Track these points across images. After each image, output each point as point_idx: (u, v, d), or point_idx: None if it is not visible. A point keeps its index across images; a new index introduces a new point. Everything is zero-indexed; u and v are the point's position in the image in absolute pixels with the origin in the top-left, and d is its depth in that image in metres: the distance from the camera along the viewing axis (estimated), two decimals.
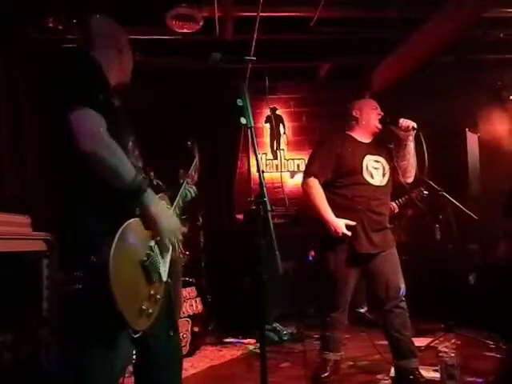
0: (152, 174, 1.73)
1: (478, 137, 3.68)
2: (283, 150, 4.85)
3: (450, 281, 3.50)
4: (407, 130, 2.40)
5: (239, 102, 1.53)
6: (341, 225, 2.36)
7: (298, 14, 3.41)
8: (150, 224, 1.31)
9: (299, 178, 4.80)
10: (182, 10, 3.12)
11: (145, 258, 1.29)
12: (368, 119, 2.53)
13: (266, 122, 4.86)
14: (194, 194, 1.75)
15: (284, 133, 4.88)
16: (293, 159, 4.86)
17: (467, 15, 3.27)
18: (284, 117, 4.89)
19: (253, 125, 1.52)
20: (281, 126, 4.88)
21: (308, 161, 2.63)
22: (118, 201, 1.25)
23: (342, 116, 4.08)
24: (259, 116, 4.79)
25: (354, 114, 2.57)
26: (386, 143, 2.58)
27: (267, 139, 4.87)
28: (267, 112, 4.79)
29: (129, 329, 1.21)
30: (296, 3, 3.34)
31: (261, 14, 3.17)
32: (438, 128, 4.07)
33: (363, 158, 2.47)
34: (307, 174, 2.52)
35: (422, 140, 2.40)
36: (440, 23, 3.41)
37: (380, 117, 2.51)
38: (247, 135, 1.53)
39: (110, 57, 1.44)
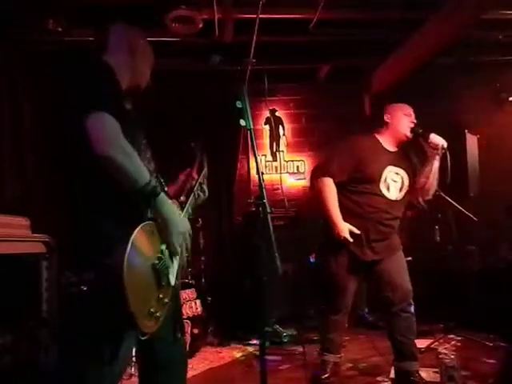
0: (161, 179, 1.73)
1: (478, 138, 3.68)
2: (283, 151, 4.85)
3: (450, 282, 3.50)
4: (436, 147, 2.31)
5: (239, 104, 1.53)
6: (345, 229, 2.30)
7: (297, 15, 3.41)
8: (161, 227, 1.32)
9: (298, 179, 4.81)
10: (181, 12, 3.12)
11: (156, 262, 1.30)
12: (398, 125, 2.40)
13: (265, 124, 4.86)
14: (205, 196, 1.75)
15: (283, 134, 4.88)
16: (292, 161, 4.85)
17: (466, 17, 3.28)
18: (283, 118, 4.89)
19: (252, 127, 1.53)
20: (280, 127, 4.87)
21: (327, 158, 2.50)
22: (132, 203, 1.26)
23: (342, 118, 4.12)
24: (259, 118, 4.79)
25: (384, 118, 2.45)
26: (412, 156, 2.49)
27: (267, 141, 4.87)
28: (267, 114, 4.79)
29: (138, 331, 1.21)
30: (296, 5, 3.34)
31: (260, 15, 3.17)
32: (437, 129, 4.07)
33: (385, 168, 2.37)
34: (324, 171, 2.41)
35: (448, 159, 2.29)
36: (439, 24, 3.42)
37: (412, 125, 2.38)
38: (247, 137, 1.54)
39: (121, 60, 1.45)
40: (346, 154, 2.41)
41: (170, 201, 1.38)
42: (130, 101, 1.45)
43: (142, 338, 1.23)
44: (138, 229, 1.22)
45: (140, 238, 1.23)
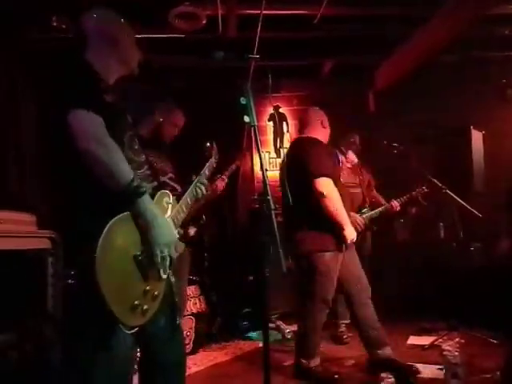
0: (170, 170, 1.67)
1: (483, 134, 3.66)
2: (286, 148, 4.84)
3: (454, 279, 3.49)
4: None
5: (242, 101, 1.52)
6: (353, 233, 2.50)
7: (301, 11, 3.39)
8: (142, 231, 1.27)
9: None
10: (185, 9, 3.11)
11: (138, 253, 1.26)
12: (327, 127, 2.76)
13: (269, 121, 4.85)
14: (205, 191, 1.71)
15: (287, 131, 4.87)
16: None
17: (471, 12, 3.25)
18: (287, 115, 4.88)
19: (256, 123, 1.52)
20: (284, 124, 4.87)
21: (316, 160, 2.53)
22: (118, 198, 1.24)
23: (346, 114, 4.09)
24: (262, 114, 4.77)
25: (324, 122, 2.74)
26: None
27: (270, 137, 4.86)
28: (270, 110, 4.78)
29: (120, 324, 1.19)
30: (300, 1, 3.32)
31: (264, 11, 3.16)
32: (442, 126, 4.06)
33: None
34: (323, 174, 2.47)
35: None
36: (444, 20, 3.39)
37: None
38: (250, 133, 1.53)
39: (103, 53, 1.42)
40: (325, 153, 2.62)
41: (160, 192, 1.36)
42: (113, 93, 1.41)
43: (128, 332, 1.22)
44: (112, 221, 1.19)
45: (116, 230, 1.20)
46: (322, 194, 2.45)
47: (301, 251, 2.55)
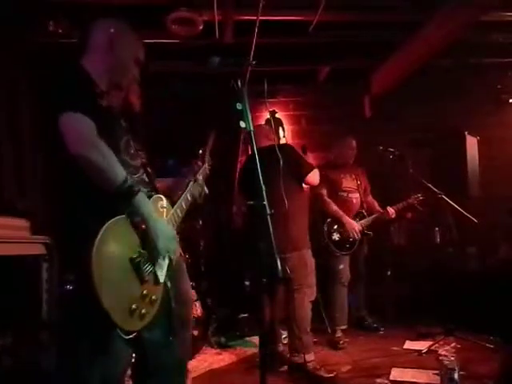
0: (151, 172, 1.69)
1: (478, 140, 3.68)
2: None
3: (450, 284, 3.50)
4: None
5: (238, 106, 1.53)
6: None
7: (297, 17, 3.42)
8: (140, 230, 1.29)
9: None
10: (181, 14, 3.12)
11: (135, 256, 1.25)
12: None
13: (265, 126, 4.85)
14: (202, 191, 1.75)
15: (283, 136, 4.87)
16: None
17: (467, 17, 3.27)
18: (283, 120, 4.89)
19: (252, 128, 1.53)
20: (280, 129, 4.87)
21: (304, 159, 2.84)
22: (115, 200, 1.25)
23: (342, 119, 4.09)
24: (259, 119, 4.78)
25: (269, 135, 3.04)
26: None
27: None
28: (267, 115, 4.79)
29: (117, 329, 1.18)
30: (296, 7, 3.35)
31: (260, 17, 3.17)
32: (437, 131, 4.09)
33: None
34: (313, 166, 2.82)
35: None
36: (440, 25, 3.42)
37: None
38: (247, 139, 1.54)
39: (97, 60, 1.44)
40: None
41: (155, 196, 1.36)
42: (108, 99, 1.41)
43: (126, 337, 1.20)
44: (108, 223, 1.18)
45: (113, 231, 1.20)
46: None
47: (289, 247, 2.59)
